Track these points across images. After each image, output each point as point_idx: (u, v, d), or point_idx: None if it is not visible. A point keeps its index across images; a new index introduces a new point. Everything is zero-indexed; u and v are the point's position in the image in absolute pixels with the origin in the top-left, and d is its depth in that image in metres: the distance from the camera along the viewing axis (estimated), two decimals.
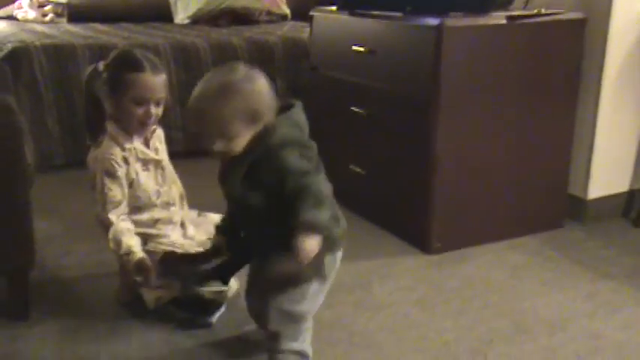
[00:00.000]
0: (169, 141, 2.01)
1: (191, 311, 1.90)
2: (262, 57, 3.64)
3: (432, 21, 2.24)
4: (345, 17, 2.71)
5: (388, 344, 1.83)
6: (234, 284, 1.95)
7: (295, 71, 3.71)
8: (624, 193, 2.73)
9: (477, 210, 2.45)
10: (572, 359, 1.74)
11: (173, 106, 3.36)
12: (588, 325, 1.93)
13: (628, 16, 2.50)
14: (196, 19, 4.44)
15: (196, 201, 2.07)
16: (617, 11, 2.46)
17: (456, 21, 2.24)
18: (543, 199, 2.59)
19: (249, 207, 1.43)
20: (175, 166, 1.99)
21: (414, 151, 2.41)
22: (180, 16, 4.54)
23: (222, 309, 1.93)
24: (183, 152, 3.31)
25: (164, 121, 1.92)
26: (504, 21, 2.30)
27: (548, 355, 1.77)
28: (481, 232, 2.49)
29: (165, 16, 4.59)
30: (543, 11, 2.42)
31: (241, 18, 4.39)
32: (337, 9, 2.79)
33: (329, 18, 2.84)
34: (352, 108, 2.67)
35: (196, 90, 1.40)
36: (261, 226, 1.48)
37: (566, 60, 2.47)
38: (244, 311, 1.65)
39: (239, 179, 1.42)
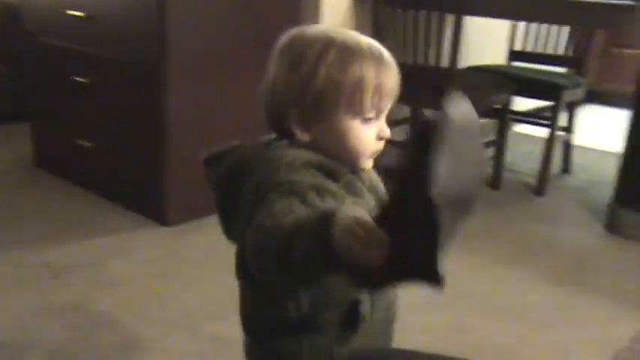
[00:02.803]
0: None
1: None
2: None
3: None
4: None
5: (127, 320, 1.77)
6: None
7: (9, 37, 3.33)
8: None
9: None
10: None
11: None
12: None
13: None
14: None
15: None
16: None
17: None
18: None
19: None
20: None
21: (144, 120, 2.34)
22: None
23: None
24: None
25: None
26: None
27: None
28: None
29: None
30: None
31: None
32: None
33: None
34: (75, 78, 2.49)
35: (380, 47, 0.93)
36: None
37: (285, 28, 2.58)
38: None
39: None
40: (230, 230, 0.98)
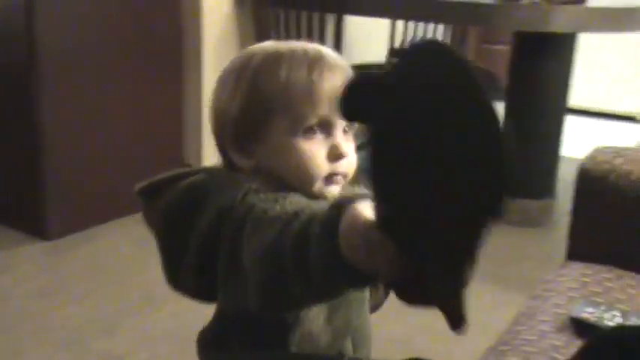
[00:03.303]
0: None
1: None
2: None
3: None
4: None
5: (4, 343, 1.66)
6: None
7: None
8: None
9: (95, 187, 2.36)
10: (198, 319, 1.82)
11: None
12: None
13: None
14: None
15: None
16: None
17: None
18: (160, 171, 2.63)
19: None
20: None
21: (17, 128, 2.20)
22: None
23: None
24: None
25: None
26: None
27: (176, 319, 1.82)
28: (103, 210, 2.41)
29: None
30: None
31: None
32: None
33: None
34: None
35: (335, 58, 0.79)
36: None
37: (165, 31, 2.51)
38: None
39: None
40: (176, 277, 0.81)
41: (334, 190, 0.76)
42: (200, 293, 0.82)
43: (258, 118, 0.76)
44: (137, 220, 2.69)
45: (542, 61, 2.45)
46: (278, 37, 2.63)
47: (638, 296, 1.07)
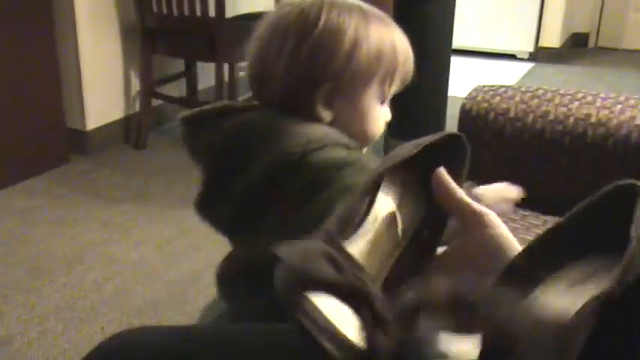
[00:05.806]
0: None
1: None
2: None
3: None
4: None
5: None
6: None
7: None
8: (121, 119, 2.81)
9: None
10: (91, 289, 1.75)
11: None
12: (104, 251, 1.96)
13: None
14: None
15: None
16: None
17: None
18: (43, 138, 2.48)
19: None
20: None
21: None
22: None
23: None
24: None
25: None
26: None
27: (67, 292, 1.74)
28: None
29: None
30: None
31: None
32: None
33: None
34: None
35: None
36: None
37: None
38: None
39: None
40: (210, 206, 0.79)
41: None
42: (228, 227, 0.79)
43: (361, 80, 0.77)
44: (16, 192, 2.55)
45: (427, 3, 2.46)
46: None
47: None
